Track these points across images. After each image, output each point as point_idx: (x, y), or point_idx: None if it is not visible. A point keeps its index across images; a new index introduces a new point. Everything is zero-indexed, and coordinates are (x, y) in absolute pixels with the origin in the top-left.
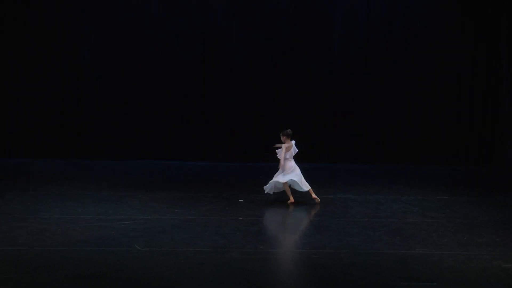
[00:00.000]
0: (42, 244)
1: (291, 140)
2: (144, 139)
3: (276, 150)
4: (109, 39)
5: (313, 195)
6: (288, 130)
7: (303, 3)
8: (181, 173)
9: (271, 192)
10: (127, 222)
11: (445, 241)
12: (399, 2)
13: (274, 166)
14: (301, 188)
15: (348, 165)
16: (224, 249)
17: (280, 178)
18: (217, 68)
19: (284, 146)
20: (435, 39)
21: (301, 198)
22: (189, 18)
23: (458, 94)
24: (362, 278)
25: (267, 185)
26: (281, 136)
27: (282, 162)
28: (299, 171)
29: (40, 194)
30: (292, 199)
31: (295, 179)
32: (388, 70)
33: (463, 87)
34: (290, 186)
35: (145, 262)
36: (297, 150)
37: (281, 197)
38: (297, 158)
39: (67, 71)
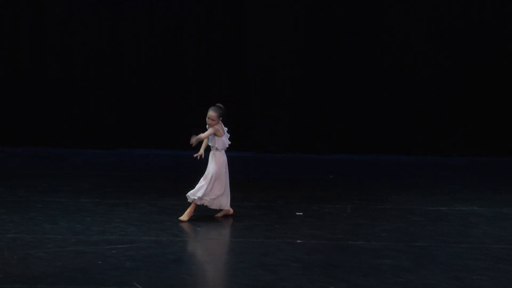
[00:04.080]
0: None
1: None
2: (144, 118)
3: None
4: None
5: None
6: (220, 104)
7: None
8: (203, 168)
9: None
10: (120, 246)
11: None
12: None
13: (338, 159)
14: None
15: (464, 159)
16: None
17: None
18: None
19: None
20: None
21: (393, 207)
22: None
23: None
24: None
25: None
26: (211, 115)
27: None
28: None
29: None
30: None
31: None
32: None
33: None
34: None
35: None
36: (229, 142)
37: (361, 207)
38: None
39: (28, 40)
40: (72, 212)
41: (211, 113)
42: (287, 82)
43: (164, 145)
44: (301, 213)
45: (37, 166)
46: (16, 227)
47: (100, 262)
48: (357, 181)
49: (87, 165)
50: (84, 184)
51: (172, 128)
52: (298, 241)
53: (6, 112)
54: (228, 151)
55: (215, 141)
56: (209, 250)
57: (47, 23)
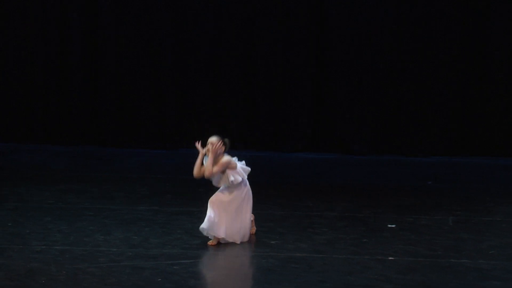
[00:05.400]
0: None
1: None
2: (210, 114)
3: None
4: None
5: None
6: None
7: None
8: (275, 172)
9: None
10: (183, 262)
11: None
12: None
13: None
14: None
15: None
16: None
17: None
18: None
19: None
20: None
21: None
22: None
23: None
24: None
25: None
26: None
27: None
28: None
29: (28, 207)
30: None
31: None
32: None
33: None
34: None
35: None
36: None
37: (464, 219)
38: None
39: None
40: (128, 222)
41: (213, 139)
42: (376, 76)
43: (233, 145)
44: (393, 225)
45: (87, 167)
46: (64, 238)
47: (159, 279)
48: (461, 188)
49: (145, 167)
50: (142, 189)
51: (245, 126)
52: (390, 258)
53: (52, 106)
54: (307, 151)
55: (226, 178)
56: (285, 267)
57: (96, 15)
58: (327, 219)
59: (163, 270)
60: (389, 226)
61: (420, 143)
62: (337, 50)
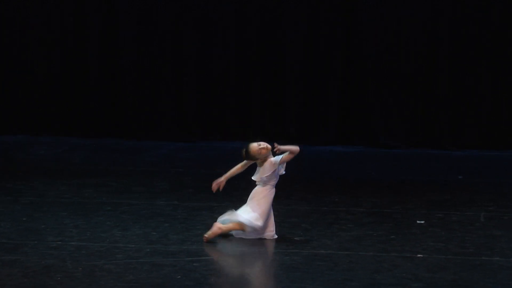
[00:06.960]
0: None
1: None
2: (236, 106)
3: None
4: None
5: None
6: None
7: None
8: (301, 165)
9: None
10: (204, 258)
11: None
12: None
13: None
14: None
15: None
16: None
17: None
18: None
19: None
20: None
21: None
22: None
23: None
24: None
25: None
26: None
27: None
28: None
29: (44, 201)
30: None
31: None
32: None
33: None
34: None
35: None
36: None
37: (497, 216)
38: None
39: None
40: (147, 217)
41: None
42: (405, 68)
43: (260, 138)
44: (422, 222)
45: (105, 161)
46: (80, 234)
47: (179, 277)
48: (493, 183)
49: (164, 161)
50: (161, 184)
51: (271, 118)
52: (419, 255)
53: (69, 98)
54: (335, 144)
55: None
56: (309, 265)
57: (117, 16)
58: (354, 214)
59: (183, 267)
60: (418, 222)
61: (450, 136)
62: (365, 43)
